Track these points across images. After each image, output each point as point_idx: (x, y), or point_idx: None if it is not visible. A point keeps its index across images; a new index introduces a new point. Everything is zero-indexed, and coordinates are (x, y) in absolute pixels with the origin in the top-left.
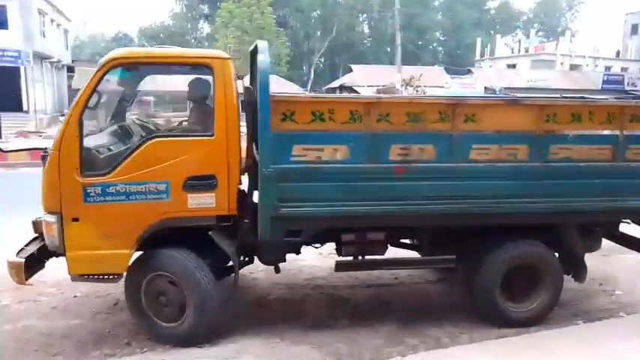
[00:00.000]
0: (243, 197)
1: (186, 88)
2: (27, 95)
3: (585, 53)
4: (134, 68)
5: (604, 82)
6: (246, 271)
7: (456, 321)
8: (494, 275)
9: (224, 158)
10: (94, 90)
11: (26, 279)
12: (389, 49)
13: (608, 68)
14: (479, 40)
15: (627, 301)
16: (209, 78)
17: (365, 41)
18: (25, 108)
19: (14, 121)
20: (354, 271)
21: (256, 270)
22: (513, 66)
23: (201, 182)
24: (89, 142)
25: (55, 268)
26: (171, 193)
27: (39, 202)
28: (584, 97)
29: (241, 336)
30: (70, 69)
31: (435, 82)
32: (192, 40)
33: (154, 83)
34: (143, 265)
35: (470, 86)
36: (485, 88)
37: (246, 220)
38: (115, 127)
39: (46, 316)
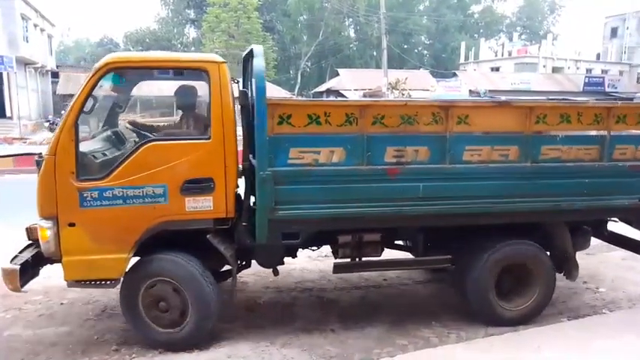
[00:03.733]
0: (240, 201)
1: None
2: (10, 101)
3: (567, 56)
4: (127, 73)
5: (585, 84)
6: None
7: (444, 321)
8: (488, 275)
9: (221, 161)
10: (89, 94)
11: (21, 286)
12: (375, 53)
13: (589, 71)
14: (463, 44)
15: (611, 299)
16: (199, 83)
17: (351, 45)
18: (8, 114)
19: None
20: (352, 272)
21: (245, 274)
22: (497, 69)
23: (199, 185)
24: (83, 147)
25: (43, 276)
26: (168, 196)
27: (25, 209)
28: (567, 99)
29: (231, 340)
30: (55, 74)
31: (421, 86)
32: (179, 45)
33: (144, 89)
34: (142, 270)
35: (455, 89)
36: (470, 91)
37: (243, 224)
38: (108, 132)
39: (33, 324)
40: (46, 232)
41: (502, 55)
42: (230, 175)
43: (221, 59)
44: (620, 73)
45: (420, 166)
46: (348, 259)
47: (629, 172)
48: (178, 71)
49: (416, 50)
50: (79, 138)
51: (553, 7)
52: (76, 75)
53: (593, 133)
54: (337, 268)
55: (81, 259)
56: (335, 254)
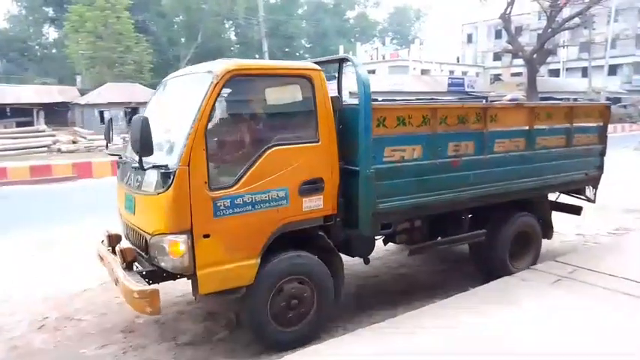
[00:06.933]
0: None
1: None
2: None
3: (432, 59)
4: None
5: (449, 84)
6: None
7: (331, 316)
8: (507, 242)
9: (329, 162)
10: (215, 102)
11: None
12: (257, 56)
13: (451, 72)
14: (341, 48)
15: (472, 277)
16: (308, 87)
17: (233, 48)
18: None
19: None
20: (424, 253)
21: (106, 300)
22: (373, 71)
23: (313, 186)
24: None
25: None
26: (289, 198)
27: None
28: (434, 99)
29: None
30: None
31: None
32: (37, 47)
33: None
34: (276, 271)
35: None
36: (350, 93)
37: (338, 219)
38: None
39: None
40: (178, 247)
41: (377, 59)
42: (335, 174)
43: (319, 67)
44: (477, 74)
45: (470, 157)
46: (416, 244)
47: (583, 153)
48: (285, 78)
49: (297, 53)
50: (208, 147)
51: (418, 15)
52: None
53: (564, 126)
54: (413, 252)
55: (215, 271)
56: (389, 241)
